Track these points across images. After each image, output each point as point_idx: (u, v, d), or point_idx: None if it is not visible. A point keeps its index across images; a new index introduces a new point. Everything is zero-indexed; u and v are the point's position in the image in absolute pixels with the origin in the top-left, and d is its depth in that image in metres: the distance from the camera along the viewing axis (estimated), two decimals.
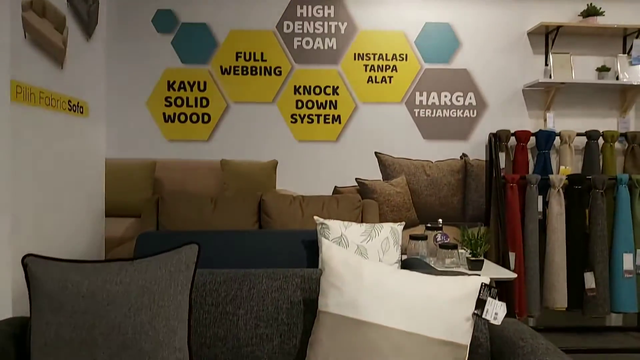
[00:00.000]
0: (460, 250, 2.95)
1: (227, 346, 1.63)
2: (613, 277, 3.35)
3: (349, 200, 3.26)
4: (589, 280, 3.33)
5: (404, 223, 2.62)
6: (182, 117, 3.58)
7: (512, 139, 3.60)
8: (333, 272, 1.56)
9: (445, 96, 3.66)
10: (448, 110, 3.66)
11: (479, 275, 2.02)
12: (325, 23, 3.62)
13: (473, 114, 3.67)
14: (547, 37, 3.65)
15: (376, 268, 1.56)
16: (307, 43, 3.62)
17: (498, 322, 1.45)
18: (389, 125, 3.64)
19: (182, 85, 3.57)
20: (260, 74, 3.60)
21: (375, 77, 3.63)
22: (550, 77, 3.54)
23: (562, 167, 3.51)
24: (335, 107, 3.63)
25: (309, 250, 2.59)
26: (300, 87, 3.62)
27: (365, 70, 3.63)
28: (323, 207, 3.19)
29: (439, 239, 2.99)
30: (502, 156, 3.55)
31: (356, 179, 3.63)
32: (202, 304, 1.67)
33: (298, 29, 3.61)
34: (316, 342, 1.52)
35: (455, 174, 3.66)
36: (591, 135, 3.54)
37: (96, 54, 3.36)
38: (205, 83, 3.58)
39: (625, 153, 3.61)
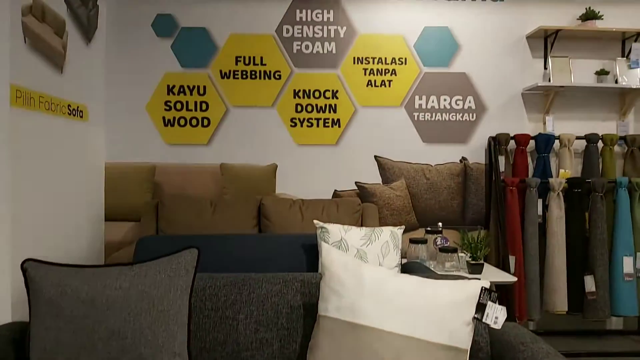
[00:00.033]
0: (460, 254, 2.94)
1: (226, 351, 1.63)
2: (613, 280, 3.35)
3: (348, 204, 3.25)
4: (589, 283, 3.32)
5: (403, 227, 2.62)
6: (182, 121, 3.58)
7: (512, 143, 3.60)
8: (333, 277, 1.56)
9: (445, 100, 3.67)
10: (447, 114, 3.67)
11: (479, 279, 2.02)
12: (325, 27, 3.63)
13: (472, 117, 3.67)
14: (546, 41, 3.66)
15: (376, 272, 1.56)
16: (307, 47, 3.62)
17: (498, 326, 1.45)
18: (389, 129, 3.64)
19: (181, 90, 3.58)
20: (260, 78, 3.61)
21: (375, 81, 3.64)
22: (550, 80, 3.55)
23: (561, 171, 3.51)
24: (334, 111, 3.63)
25: (309, 254, 2.58)
26: (299, 91, 3.62)
27: (365, 74, 3.64)
28: (323, 211, 3.19)
29: (438, 243, 2.98)
30: (501, 160, 3.55)
31: (356, 182, 3.64)
32: (201, 309, 1.67)
33: (297, 33, 3.62)
34: (316, 347, 1.51)
35: (455, 177, 3.66)
36: (590, 139, 3.54)
37: (96, 58, 3.36)
38: (204, 87, 3.58)
39: (624, 156, 3.61)
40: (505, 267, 3.27)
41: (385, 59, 3.64)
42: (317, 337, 1.52)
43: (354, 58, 3.63)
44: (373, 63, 3.64)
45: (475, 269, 2.79)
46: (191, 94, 3.58)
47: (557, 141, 3.57)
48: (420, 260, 2.82)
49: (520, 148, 3.54)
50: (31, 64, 2.53)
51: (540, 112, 3.70)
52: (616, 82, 3.58)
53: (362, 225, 3.28)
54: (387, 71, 3.64)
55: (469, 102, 3.67)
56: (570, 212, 3.39)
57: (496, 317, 1.45)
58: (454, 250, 2.82)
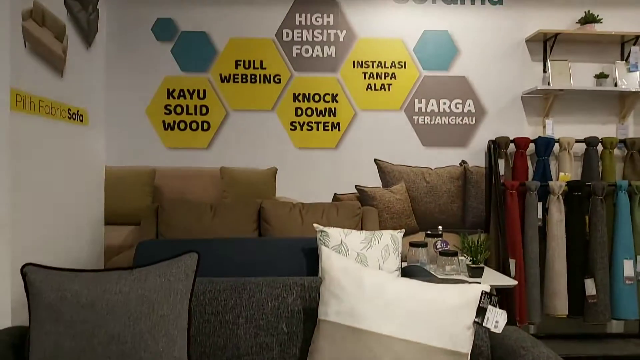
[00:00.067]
0: (460, 258, 2.94)
1: (226, 355, 1.63)
2: (614, 283, 3.34)
3: (348, 208, 3.25)
4: (590, 287, 3.32)
5: (403, 230, 2.62)
6: (182, 125, 3.59)
7: (512, 146, 3.60)
8: (333, 281, 1.56)
9: (444, 103, 3.67)
10: (447, 118, 3.67)
11: (479, 282, 2.01)
12: (324, 31, 3.64)
13: (472, 121, 3.68)
14: (546, 45, 3.67)
15: (376, 276, 1.56)
16: (307, 51, 3.63)
17: (499, 330, 1.44)
18: (388, 133, 3.65)
19: (181, 93, 3.58)
20: (260, 81, 3.61)
21: (374, 84, 3.64)
22: (549, 84, 3.55)
23: (561, 174, 3.52)
24: (334, 115, 3.64)
25: (309, 258, 2.58)
26: (299, 94, 3.63)
27: (364, 78, 3.64)
28: (323, 215, 3.19)
29: (439, 246, 2.98)
30: (501, 163, 3.55)
31: (356, 186, 3.64)
32: (201, 313, 1.67)
33: (297, 37, 3.63)
34: (316, 351, 1.51)
35: (454, 180, 3.66)
36: (590, 142, 3.55)
37: (96, 62, 3.37)
38: (204, 91, 3.59)
39: (624, 159, 3.62)
40: (505, 271, 3.27)
41: (385, 62, 3.64)
42: (317, 342, 1.52)
43: (354, 62, 3.64)
44: (373, 67, 3.64)
45: (475, 272, 2.79)
46: (191, 98, 3.58)
47: (556, 144, 3.57)
48: (420, 264, 2.82)
49: (520, 151, 3.54)
50: (31, 68, 2.53)
51: (540, 116, 3.70)
52: (615, 85, 3.59)
53: (362, 229, 3.27)
54: (386, 75, 3.64)
55: (469, 105, 3.67)
56: (571, 215, 3.39)
57: (497, 321, 1.45)
58: (454, 254, 2.82)
